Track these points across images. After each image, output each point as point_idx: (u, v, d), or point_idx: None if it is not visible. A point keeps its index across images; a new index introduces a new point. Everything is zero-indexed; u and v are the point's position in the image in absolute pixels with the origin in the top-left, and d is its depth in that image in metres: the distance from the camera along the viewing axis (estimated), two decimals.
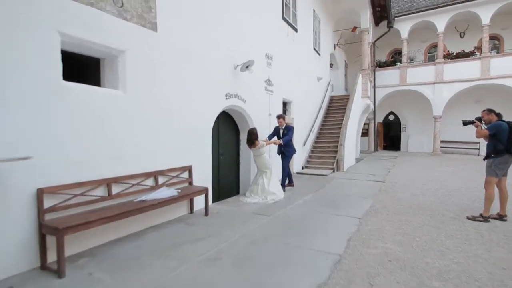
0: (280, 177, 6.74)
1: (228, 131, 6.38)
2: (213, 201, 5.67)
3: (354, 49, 18.43)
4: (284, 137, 6.56)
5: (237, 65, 5.82)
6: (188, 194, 4.26)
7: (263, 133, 6.99)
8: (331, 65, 15.28)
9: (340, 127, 11.33)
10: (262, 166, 5.91)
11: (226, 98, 5.63)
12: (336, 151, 10.33)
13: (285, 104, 9.00)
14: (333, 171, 9.55)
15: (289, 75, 8.75)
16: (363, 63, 14.57)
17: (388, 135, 20.62)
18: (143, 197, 3.73)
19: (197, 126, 4.93)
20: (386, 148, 20.26)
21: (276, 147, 7.09)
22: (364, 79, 14.25)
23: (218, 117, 5.97)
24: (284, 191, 6.45)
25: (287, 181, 6.88)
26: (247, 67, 5.73)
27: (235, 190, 6.73)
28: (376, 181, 7.92)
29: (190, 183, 4.75)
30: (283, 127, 6.68)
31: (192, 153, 4.83)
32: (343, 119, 11.66)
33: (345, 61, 18.87)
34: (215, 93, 5.33)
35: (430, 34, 18.02)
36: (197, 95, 4.90)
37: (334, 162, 9.85)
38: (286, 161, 6.74)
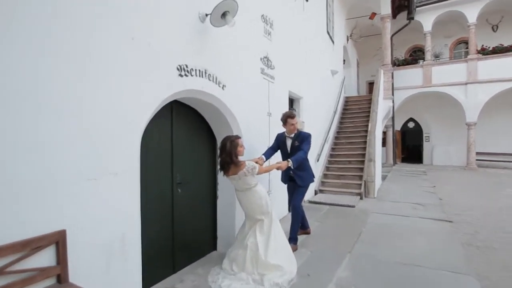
0: (289, 226, 3.84)
1: (194, 141, 3.54)
2: (155, 278, 2.82)
3: (368, 45, 15.81)
4: (296, 152, 3.71)
5: (206, 15, 3.04)
6: None
7: (256, 148, 4.13)
8: (343, 61, 12.57)
9: (362, 136, 8.51)
10: (254, 210, 3.04)
11: (181, 75, 2.81)
12: (360, 168, 7.47)
13: (292, 102, 6.20)
14: (361, 198, 6.67)
15: (298, 59, 5.97)
16: (384, 56, 11.87)
17: (406, 145, 17.80)
18: None
19: (97, 130, 2.10)
20: (404, 160, 17.40)
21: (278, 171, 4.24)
22: (387, 76, 11.51)
23: (172, 115, 3.18)
24: (295, 247, 3.59)
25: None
26: (223, 15, 2.93)
27: (209, 244, 3.85)
28: (437, 220, 5.03)
29: (60, 278, 1.83)
30: (293, 135, 3.83)
31: (75, 199, 1.95)
32: (364, 125, 8.86)
33: (357, 60, 16.22)
34: (151, 63, 2.52)
35: (455, 28, 15.44)
36: (101, 65, 2.09)
37: (360, 184, 6.97)
38: (299, 195, 3.84)
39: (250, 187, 2.89)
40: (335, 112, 9.22)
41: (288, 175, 3.90)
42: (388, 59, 11.97)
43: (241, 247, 2.96)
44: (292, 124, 3.72)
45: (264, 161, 3.64)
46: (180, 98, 3.17)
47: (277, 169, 3.43)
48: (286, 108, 5.38)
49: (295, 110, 6.31)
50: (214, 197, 3.88)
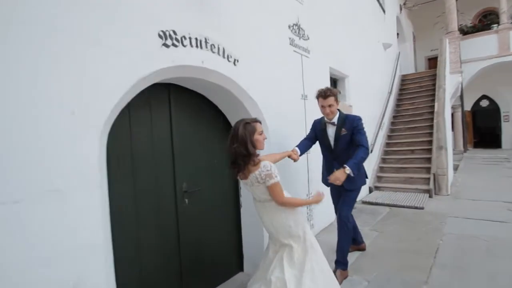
0: (335, 237, 2.85)
1: (205, 137, 2.74)
2: None
3: (426, 15, 13.59)
4: (345, 146, 2.74)
5: None
6: None
7: (288, 140, 3.20)
8: (397, 35, 10.82)
9: (426, 119, 7.04)
10: (278, 230, 2.04)
11: (166, 45, 2.00)
12: (426, 158, 6.07)
13: (335, 81, 5.11)
14: (430, 196, 5.33)
15: (340, 30, 4.85)
16: (448, 23, 9.92)
17: (477, 127, 15.15)
18: None
19: (22, 129, 1.39)
20: (477, 145, 14.84)
21: (314, 161, 3.31)
22: (453, 46, 9.60)
23: (170, 103, 2.47)
24: (345, 273, 2.63)
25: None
26: None
27: (234, 264, 3.05)
28: None
29: None
30: (336, 120, 2.79)
31: None
32: (428, 106, 7.35)
33: (413, 33, 14.09)
34: (114, 26, 1.75)
35: None
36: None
37: (428, 178, 5.61)
38: (348, 203, 2.81)
39: (271, 199, 1.99)
40: (389, 93, 7.79)
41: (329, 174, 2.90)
42: (454, 25, 9.97)
43: (263, 281, 2.07)
44: (324, 106, 2.69)
45: (299, 155, 2.71)
46: (175, 80, 2.39)
47: (337, 180, 2.50)
48: None
49: (340, 92, 5.20)
50: (237, 206, 3.06)
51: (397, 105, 8.37)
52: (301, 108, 3.59)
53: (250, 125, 1.88)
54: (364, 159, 2.61)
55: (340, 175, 2.48)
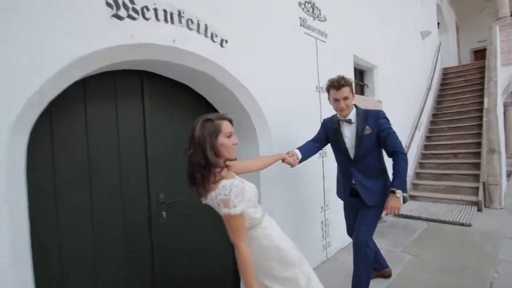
0: (351, 260, 2.20)
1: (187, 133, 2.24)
2: None
3: (470, 2, 12.17)
4: (368, 148, 2.10)
5: None
6: None
7: (298, 142, 2.60)
8: (437, 24, 9.69)
9: (473, 117, 6.07)
10: (257, 267, 1.36)
11: (117, 16, 1.53)
12: (474, 164, 5.13)
13: (361, 74, 4.41)
14: (479, 209, 4.43)
15: (367, 11, 4.14)
16: (499, 7, 8.66)
17: None
18: None
19: None
20: None
21: (332, 167, 2.54)
22: (505, 34, 8.35)
23: (143, 95, 2.02)
24: None
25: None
26: None
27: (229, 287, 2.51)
28: None
29: None
30: (354, 117, 2.13)
31: None
32: (475, 102, 6.36)
33: (456, 23, 12.71)
34: None
35: None
36: None
37: (476, 188, 4.70)
38: (368, 223, 2.13)
39: (255, 225, 1.42)
40: (428, 89, 6.85)
41: (348, 185, 2.27)
42: (505, 10, 8.66)
43: None
44: (338, 100, 2.06)
45: (301, 160, 2.12)
46: (148, 66, 1.92)
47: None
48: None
49: (367, 86, 4.49)
50: None
51: (438, 102, 7.36)
52: (315, 102, 2.98)
53: (212, 123, 1.31)
54: (406, 171, 2.03)
55: (395, 203, 1.99)
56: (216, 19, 2.02)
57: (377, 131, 2.05)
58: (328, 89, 2.10)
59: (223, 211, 1.26)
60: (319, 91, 3.02)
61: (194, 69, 1.99)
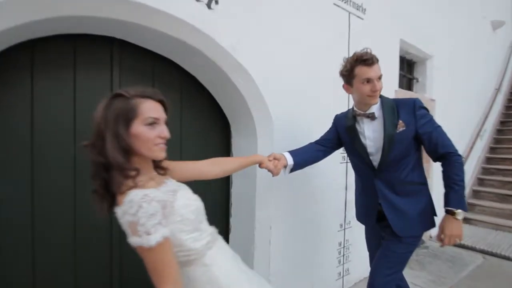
0: None
1: (175, 120, 1.81)
2: None
3: None
4: (402, 151, 1.45)
5: None
6: None
7: (310, 137, 2.02)
8: None
9: None
10: None
11: None
12: None
13: (409, 65, 3.65)
14: None
15: None
16: None
17: None
18: None
19: None
20: None
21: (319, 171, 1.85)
22: None
23: (112, 66, 1.58)
24: None
25: None
26: None
27: None
28: None
29: None
30: (378, 109, 1.48)
31: None
32: None
33: None
34: None
35: None
36: None
37: None
38: (395, 260, 1.48)
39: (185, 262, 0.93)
40: (497, 90, 5.70)
41: (373, 206, 1.64)
42: None
43: None
44: (371, 80, 1.40)
45: (291, 168, 1.59)
46: (118, 32, 1.52)
47: None
48: (393, 74, 3.00)
49: (417, 80, 3.71)
50: (226, 230, 2.05)
51: (508, 108, 6.15)
52: (340, 93, 2.37)
53: (124, 101, 0.84)
54: (464, 181, 1.39)
55: (456, 229, 1.35)
56: None
57: (415, 128, 1.42)
58: (351, 68, 1.47)
59: (131, 240, 0.79)
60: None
61: (174, 38, 1.54)
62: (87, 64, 1.52)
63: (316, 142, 1.75)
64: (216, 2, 1.59)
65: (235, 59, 1.68)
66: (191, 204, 0.91)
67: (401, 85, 3.27)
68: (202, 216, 0.98)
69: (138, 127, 0.83)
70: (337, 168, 2.35)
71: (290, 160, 1.57)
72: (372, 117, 1.48)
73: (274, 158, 1.52)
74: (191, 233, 0.89)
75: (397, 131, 1.44)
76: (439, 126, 1.45)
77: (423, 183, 1.54)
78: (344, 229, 2.42)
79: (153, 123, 0.85)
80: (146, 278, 0.84)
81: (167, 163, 0.99)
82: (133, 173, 0.81)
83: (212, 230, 1.02)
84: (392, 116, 1.44)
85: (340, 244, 2.40)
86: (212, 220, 1.08)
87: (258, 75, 1.77)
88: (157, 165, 0.96)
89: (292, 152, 1.61)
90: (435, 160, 1.48)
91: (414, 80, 3.67)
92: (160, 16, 1.42)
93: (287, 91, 1.97)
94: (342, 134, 1.66)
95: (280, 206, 1.98)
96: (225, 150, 2.05)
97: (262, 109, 1.84)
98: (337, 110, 2.01)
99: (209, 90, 1.92)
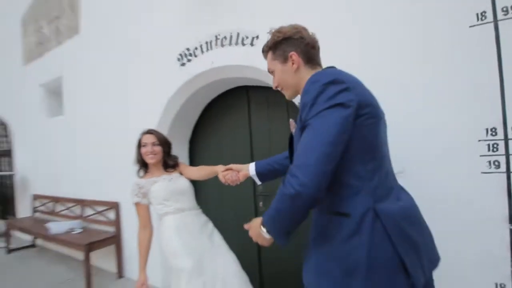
0: None
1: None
2: None
3: None
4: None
5: None
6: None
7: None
8: None
9: None
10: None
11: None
12: None
13: None
14: None
15: None
16: None
17: None
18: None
19: None
20: None
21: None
22: None
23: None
24: None
25: None
26: None
27: None
28: None
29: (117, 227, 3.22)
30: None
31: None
32: None
33: None
34: None
35: None
36: None
37: None
38: None
39: (163, 214, 1.91)
40: None
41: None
42: None
43: None
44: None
45: (262, 179, 1.54)
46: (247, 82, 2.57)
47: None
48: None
49: None
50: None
51: None
52: None
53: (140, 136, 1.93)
54: (279, 210, 0.90)
55: (254, 230, 1.05)
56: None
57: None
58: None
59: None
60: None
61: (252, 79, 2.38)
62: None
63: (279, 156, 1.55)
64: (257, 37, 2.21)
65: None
66: (159, 190, 1.77)
67: None
68: (169, 196, 1.78)
69: (141, 148, 1.86)
70: (478, 180, 1.55)
71: (252, 171, 1.50)
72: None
73: (228, 169, 1.60)
74: (159, 204, 1.79)
75: (293, 133, 1.21)
76: (320, 118, 0.86)
77: (346, 214, 0.91)
78: None
79: (144, 145, 1.84)
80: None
81: (182, 167, 1.96)
82: (140, 173, 1.91)
83: (179, 206, 1.79)
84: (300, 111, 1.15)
85: None
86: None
87: None
88: (167, 166, 1.91)
89: (259, 161, 1.53)
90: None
91: None
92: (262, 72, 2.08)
93: None
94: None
95: None
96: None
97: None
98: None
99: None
